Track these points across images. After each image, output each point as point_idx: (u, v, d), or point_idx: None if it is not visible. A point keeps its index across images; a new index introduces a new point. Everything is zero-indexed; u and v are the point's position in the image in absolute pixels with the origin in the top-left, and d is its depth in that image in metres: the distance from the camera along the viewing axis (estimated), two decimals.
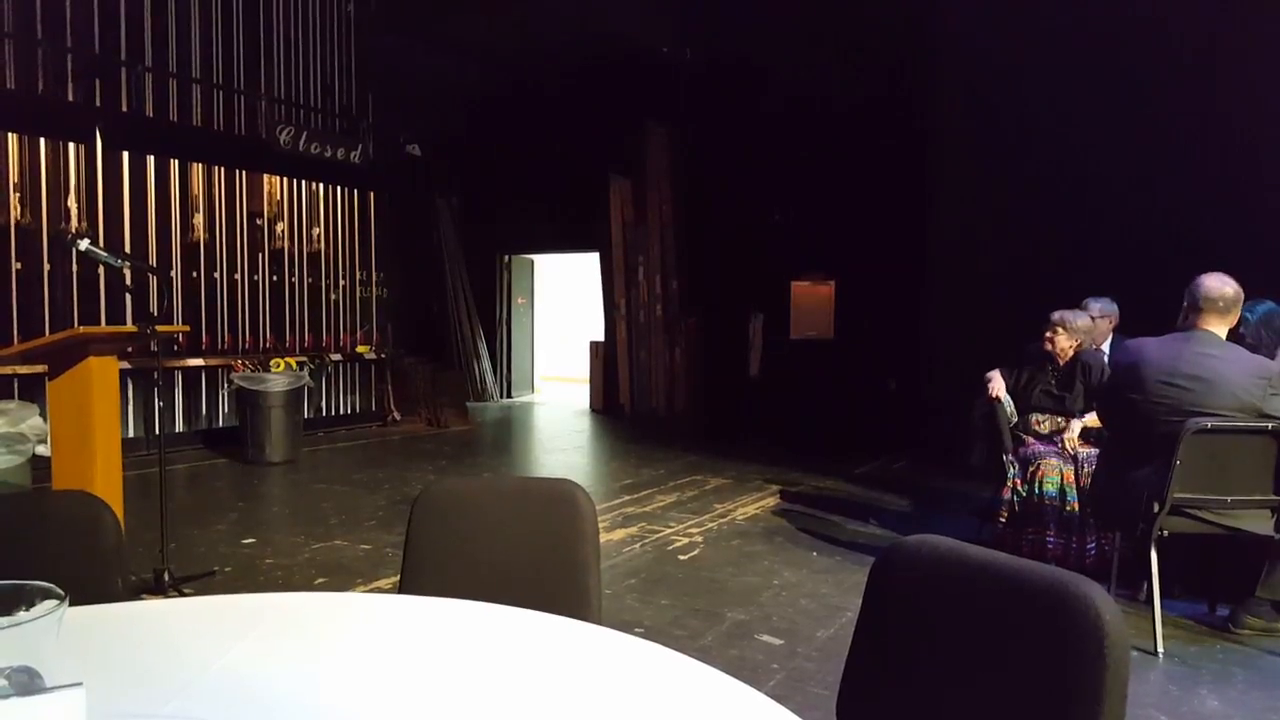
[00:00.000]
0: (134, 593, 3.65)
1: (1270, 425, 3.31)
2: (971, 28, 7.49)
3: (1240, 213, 6.02)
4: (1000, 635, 1.21)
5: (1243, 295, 3.46)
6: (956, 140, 7.77)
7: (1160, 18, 6.47)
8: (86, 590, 1.49)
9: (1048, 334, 4.52)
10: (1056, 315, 4.52)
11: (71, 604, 0.92)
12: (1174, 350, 3.44)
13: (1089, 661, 1.08)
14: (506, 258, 12.64)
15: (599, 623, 1.60)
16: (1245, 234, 5.76)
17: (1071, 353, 4.49)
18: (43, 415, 5.71)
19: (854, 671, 1.38)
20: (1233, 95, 6.24)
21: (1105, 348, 4.83)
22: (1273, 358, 3.83)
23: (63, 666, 0.88)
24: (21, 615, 0.88)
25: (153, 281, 7.09)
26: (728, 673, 1.17)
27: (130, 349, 6.24)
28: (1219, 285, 3.43)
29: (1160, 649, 3.33)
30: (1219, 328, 3.45)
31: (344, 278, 9.44)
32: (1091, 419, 4.38)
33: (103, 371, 3.68)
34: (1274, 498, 3.36)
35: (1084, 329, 4.49)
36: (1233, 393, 3.33)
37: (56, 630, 0.88)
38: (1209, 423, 3.29)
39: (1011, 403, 4.65)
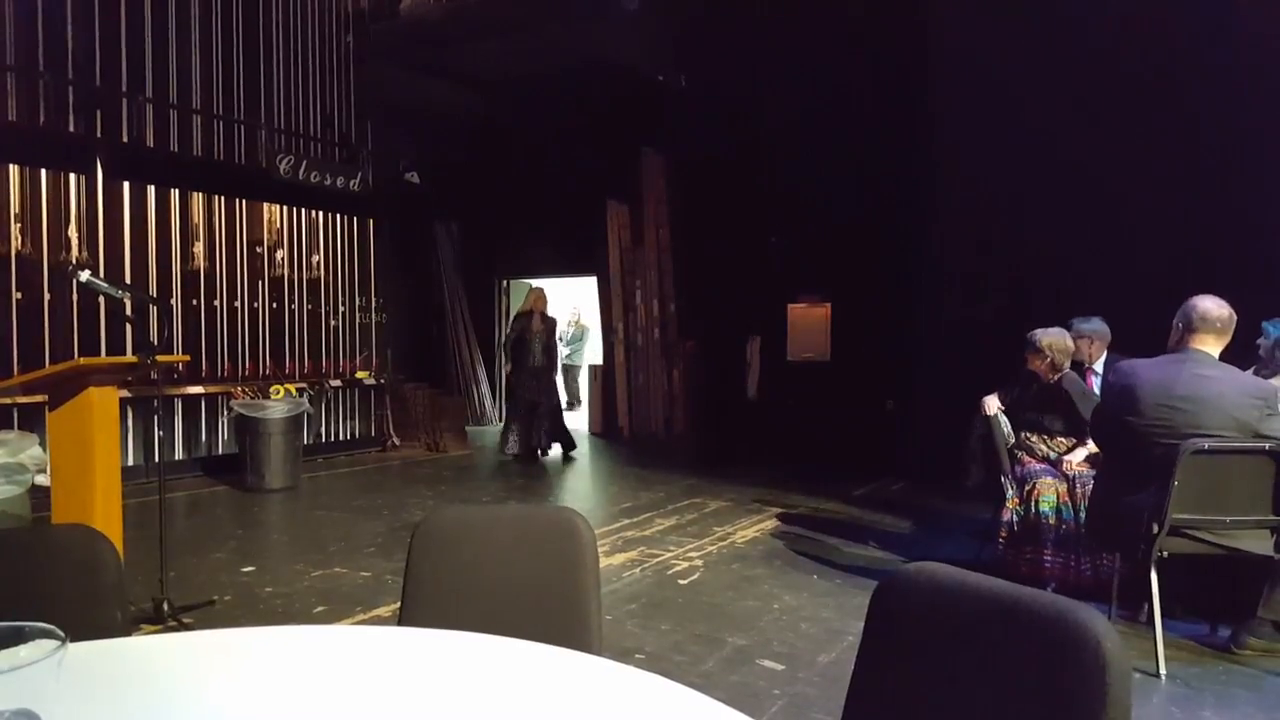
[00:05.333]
0: (133, 623, 3.64)
1: (1268, 445, 3.32)
2: (967, 52, 7.56)
3: (1242, 230, 6.05)
4: (1001, 663, 1.22)
5: (1235, 317, 3.48)
6: (951, 162, 7.82)
7: (1158, 43, 6.53)
8: (86, 625, 1.49)
9: (1025, 353, 4.59)
10: (1028, 335, 4.58)
11: (71, 639, 0.92)
12: (1170, 372, 3.45)
13: (1090, 690, 1.08)
14: (505, 282, 12.68)
15: (600, 651, 1.60)
16: (1246, 252, 5.80)
17: (1050, 371, 4.52)
18: (42, 445, 5.70)
19: (856, 701, 1.38)
20: (1231, 114, 6.29)
21: (1098, 368, 4.85)
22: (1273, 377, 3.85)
23: (63, 709, 0.89)
24: (21, 658, 0.88)
25: (153, 310, 7.11)
26: (730, 700, 1.17)
27: (130, 378, 6.25)
28: (1215, 307, 3.45)
29: (1163, 670, 3.33)
30: (1214, 348, 3.46)
31: (343, 304, 9.47)
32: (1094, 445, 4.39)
33: (103, 402, 3.68)
34: (1273, 517, 3.36)
35: (1053, 346, 4.49)
36: (1228, 413, 3.34)
37: (56, 673, 0.88)
38: (1206, 443, 3.29)
39: (1008, 423, 4.67)
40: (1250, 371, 3.90)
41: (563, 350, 12.42)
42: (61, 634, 0.91)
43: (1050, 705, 1.12)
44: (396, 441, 9.72)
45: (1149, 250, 6.40)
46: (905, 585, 1.36)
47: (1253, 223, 6.06)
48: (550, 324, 9.24)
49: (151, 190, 7.68)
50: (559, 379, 9.85)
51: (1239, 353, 3.65)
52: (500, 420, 11.87)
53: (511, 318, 9.92)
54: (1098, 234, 6.79)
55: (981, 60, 7.38)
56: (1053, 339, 4.51)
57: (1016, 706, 1.18)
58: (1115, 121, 6.77)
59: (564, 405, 9.51)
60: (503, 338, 11.98)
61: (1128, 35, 6.72)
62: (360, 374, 9.50)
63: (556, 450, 9.31)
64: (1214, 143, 6.31)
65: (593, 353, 13.33)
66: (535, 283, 12.98)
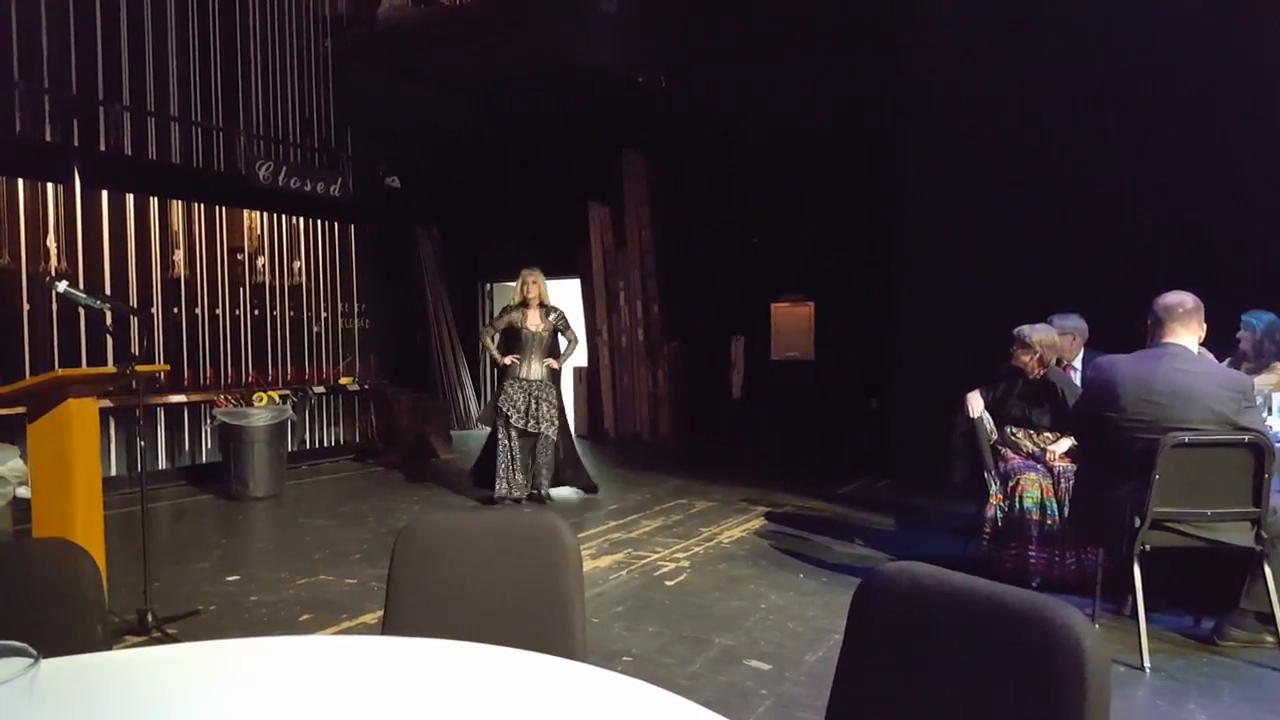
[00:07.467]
0: (117, 635, 3.61)
1: (1247, 438, 3.35)
2: (947, 53, 7.59)
3: (1217, 226, 6.09)
4: (982, 662, 1.22)
5: (1202, 305, 3.52)
6: (930, 161, 7.84)
7: (1131, 43, 6.58)
8: (67, 640, 1.48)
9: (1012, 349, 4.62)
10: (1015, 331, 4.61)
11: (51, 654, 0.91)
12: (1148, 367, 3.48)
13: (1070, 687, 1.08)
14: (488, 285, 12.65)
15: (584, 655, 1.60)
16: (1222, 248, 5.84)
17: (1037, 367, 4.55)
18: (23, 457, 5.65)
19: (839, 701, 1.38)
20: (1205, 113, 6.34)
21: (1077, 364, 4.88)
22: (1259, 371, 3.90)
23: None
24: None
25: (133, 320, 7.06)
26: (717, 700, 1.17)
27: (111, 388, 6.20)
28: (1177, 296, 3.52)
29: (1147, 663, 3.35)
30: (1187, 338, 3.50)
31: (325, 310, 9.43)
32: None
33: (82, 414, 3.65)
34: (1253, 509, 3.39)
35: (1043, 343, 4.54)
36: (1207, 405, 3.37)
37: (29, 691, 0.87)
38: (1186, 436, 3.32)
39: (991, 420, 4.69)
40: (1225, 363, 3.94)
41: None
42: (34, 652, 0.90)
43: (1030, 703, 1.13)
44: (381, 447, 9.68)
45: (1126, 248, 6.44)
46: (885, 585, 1.36)
47: (1228, 218, 6.11)
48: (557, 318, 6.72)
49: (130, 199, 7.63)
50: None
51: (1215, 348, 3.68)
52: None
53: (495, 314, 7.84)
54: (1076, 232, 6.82)
55: (960, 60, 7.41)
56: (1042, 335, 4.54)
57: (997, 705, 1.18)
58: (1092, 121, 6.82)
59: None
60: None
61: (1101, 36, 6.76)
62: (343, 380, 9.46)
63: (565, 493, 6.99)
64: (1188, 141, 6.35)
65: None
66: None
